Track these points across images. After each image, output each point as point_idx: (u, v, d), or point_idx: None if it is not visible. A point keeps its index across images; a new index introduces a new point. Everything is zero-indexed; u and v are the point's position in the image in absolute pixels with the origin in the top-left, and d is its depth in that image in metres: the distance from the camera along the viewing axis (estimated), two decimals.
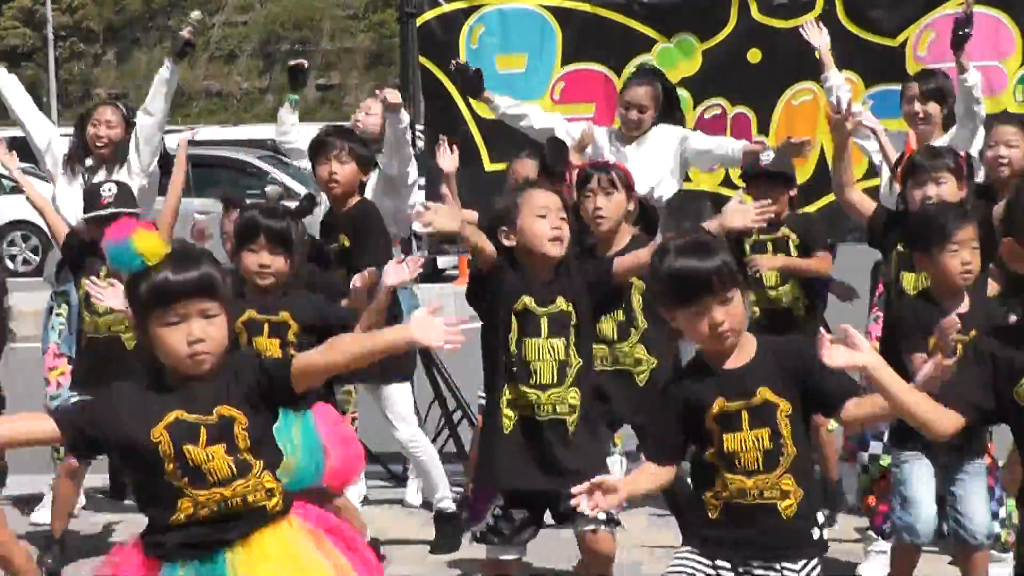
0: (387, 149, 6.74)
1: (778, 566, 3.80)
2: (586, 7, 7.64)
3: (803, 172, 7.31)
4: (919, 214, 5.38)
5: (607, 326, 5.65)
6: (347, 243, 6.35)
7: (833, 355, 3.46)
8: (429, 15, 7.78)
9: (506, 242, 4.88)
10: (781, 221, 6.47)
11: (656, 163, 6.78)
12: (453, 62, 7.18)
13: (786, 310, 6.49)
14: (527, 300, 4.87)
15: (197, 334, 3.51)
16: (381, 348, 3.61)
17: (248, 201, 6.17)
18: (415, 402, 6.77)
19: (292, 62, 7.49)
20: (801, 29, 6.86)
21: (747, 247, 6.52)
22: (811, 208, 7.27)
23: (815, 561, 3.86)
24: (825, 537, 3.92)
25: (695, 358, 3.97)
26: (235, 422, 3.55)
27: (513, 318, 4.88)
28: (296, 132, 7.18)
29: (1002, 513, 5.79)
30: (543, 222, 4.80)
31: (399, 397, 6.47)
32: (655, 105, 6.89)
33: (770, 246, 6.50)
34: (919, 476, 5.13)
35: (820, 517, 3.92)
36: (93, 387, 6.29)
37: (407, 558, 6.39)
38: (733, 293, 3.77)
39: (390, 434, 6.68)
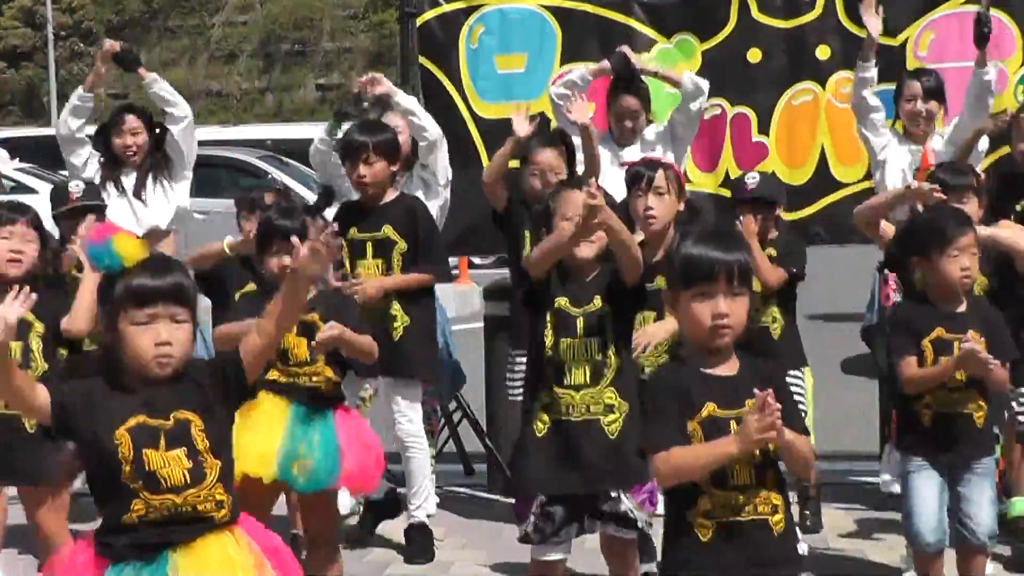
0: (424, 146, 6.75)
1: None
2: (586, 7, 7.63)
3: (803, 174, 7.32)
4: (919, 219, 5.39)
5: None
6: (391, 234, 6.28)
7: None
8: (429, 15, 7.77)
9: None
10: (769, 242, 6.42)
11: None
12: None
13: (763, 330, 6.27)
14: (562, 301, 4.86)
15: (165, 336, 3.65)
16: (290, 298, 3.81)
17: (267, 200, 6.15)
18: None
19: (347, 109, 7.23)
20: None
21: None
22: (811, 210, 7.27)
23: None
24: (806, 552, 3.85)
25: (683, 357, 3.87)
26: (191, 424, 3.68)
27: (548, 319, 4.87)
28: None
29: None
30: (569, 223, 4.78)
31: (415, 393, 6.44)
32: (646, 107, 6.89)
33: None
34: (925, 486, 5.12)
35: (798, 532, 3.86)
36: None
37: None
38: (744, 292, 3.71)
39: (391, 436, 6.69)
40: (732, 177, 7.32)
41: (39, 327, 5.20)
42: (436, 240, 6.46)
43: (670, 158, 6.60)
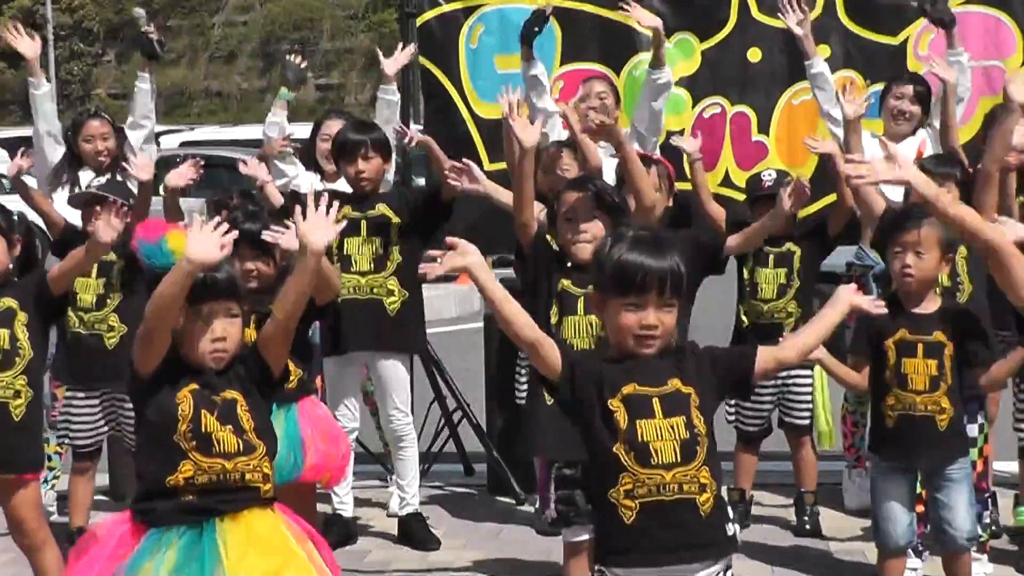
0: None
1: (698, 566, 3.62)
2: (586, 7, 7.62)
3: (803, 173, 7.28)
4: (888, 213, 5.45)
5: None
6: (386, 211, 6.36)
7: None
8: (429, 15, 7.76)
9: (549, 237, 5.14)
10: (784, 236, 6.45)
11: None
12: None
13: (775, 326, 6.32)
14: (565, 282, 5.05)
15: (220, 333, 3.84)
16: (305, 277, 3.85)
17: (234, 201, 6.19)
18: (413, 403, 6.76)
19: (292, 58, 7.53)
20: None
21: (750, 257, 6.49)
22: (811, 209, 7.24)
23: (729, 559, 3.70)
24: (738, 533, 3.74)
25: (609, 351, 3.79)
26: (237, 403, 3.85)
27: (553, 300, 5.06)
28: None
29: (986, 518, 5.81)
30: (570, 225, 4.97)
31: (405, 386, 6.55)
32: (617, 103, 6.87)
33: (772, 259, 6.45)
34: (893, 488, 5.17)
35: (730, 511, 3.73)
36: (76, 383, 6.36)
37: (411, 559, 6.38)
38: (675, 301, 3.64)
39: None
40: (731, 176, 7.33)
41: (23, 316, 5.18)
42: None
43: None
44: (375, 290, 6.33)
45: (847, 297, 3.94)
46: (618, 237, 3.73)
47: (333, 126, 6.88)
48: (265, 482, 3.85)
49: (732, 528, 3.68)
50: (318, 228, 3.80)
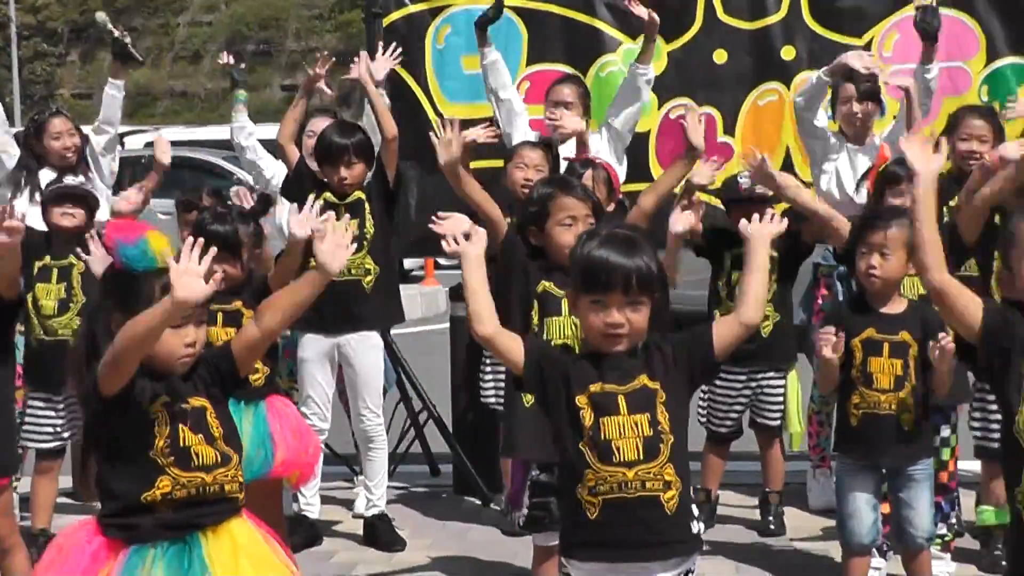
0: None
1: (661, 563, 3.63)
2: (552, 8, 7.62)
3: None
4: (861, 215, 5.49)
5: None
6: (361, 195, 6.47)
7: None
8: (395, 15, 7.74)
9: (534, 241, 5.00)
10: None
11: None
12: None
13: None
14: (547, 284, 4.96)
15: (192, 338, 3.77)
16: (312, 294, 3.84)
17: (205, 202, 6.18)
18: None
19: (227, 61, 7.56)
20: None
21: (728, 261, 6.49)
22: (776, 210, 7.24)
23: (695, 558, 3.71)
24: (702, 532, 3.75)
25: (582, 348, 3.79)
26: (206, 411, 3.79)
27: (535, 301, 4.97)
28: (254, 139, 7.25)
29: (952, 517, 5.84)
30: (569, 233, 4.80)
31: (378, 386, 6.56)
32: (583, 104, 6.88)
33: None
34: (858, 487, 5.20)
35: (695, 510, 3.74)
36: (41, 388, 6.32)
37: (377, 560, 6.37)
38: (645, 300, 3.64)
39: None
40: (693, 178, 7.33)
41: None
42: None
43: (609, 158, 6.65)
44: (353, 271, 6.39)
45: (756, 229, 3.93)
46: (591, 235, 3.74)
47: (319, 124, 6.89)
48: (241, 491, 3.83)
49: (697, 526, 3.69)
50: (339, 250, 3.80)
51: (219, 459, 3.76)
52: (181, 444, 3.71)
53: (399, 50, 7.08)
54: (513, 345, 3.71)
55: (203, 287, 3.54)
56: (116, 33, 7.40)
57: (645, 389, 3.63)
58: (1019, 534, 3.30)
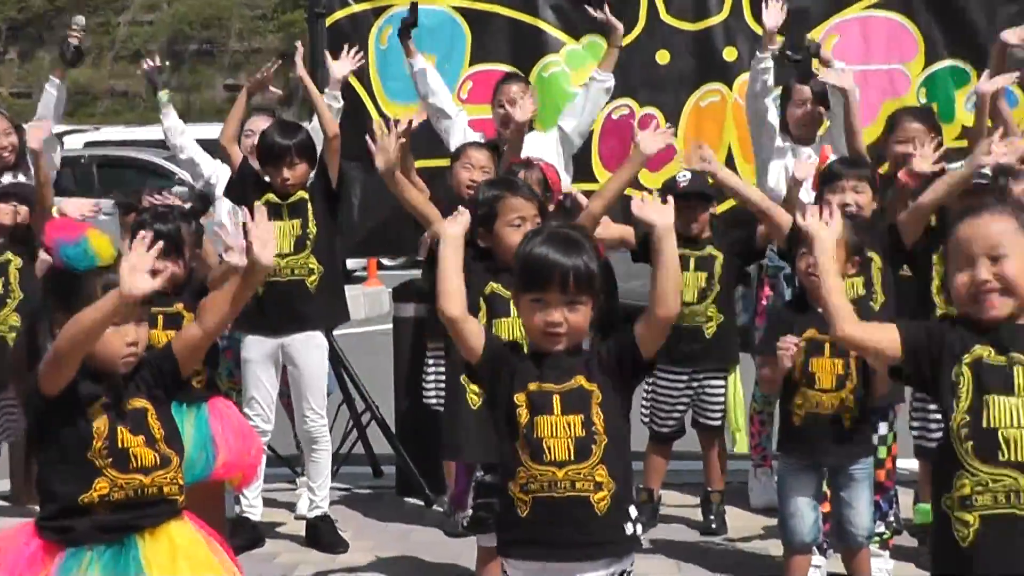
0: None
1: (592, 563, 3.63)
2: (496, 8, 7.63)
3: (709, 173, 7.32)
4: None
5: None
6: (304, 194, 6.44)
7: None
8: (339, 15, 7.72)
9: (482, 243, 4.97)
10: (705, 240, 6.48)
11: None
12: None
13: (696, 329, 6.40)
14: (495, 285, 4.95)
15: (133, 337, 3.74)
16: (248, 292, 3.85)
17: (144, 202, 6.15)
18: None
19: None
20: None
21: None
22: (718, 209, 7.30)
23: (630, 560, 3.71)
24: (640, 533, 3.75)
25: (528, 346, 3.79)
26: (147, 412, 3.76)
27: (483, 301, 4.94)
28: (187, 137, 7.24)
29: (890, 515, 5.89)
30: (517, 233, 4.77)
31: (322, 387, 6.55)
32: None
33: (692, 262, 6.42)
34: (800, 486, 5.24)
35: (633, 511, 3.73)
36: None
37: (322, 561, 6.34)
38: (584, 300, 3.65)
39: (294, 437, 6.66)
40: (639, 178, 7.34)
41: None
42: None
43: (555, 160, 6.67)
44: (296, 271, 6.39)
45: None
46: (535, 234, 3.76)
47: (258, 123, 6.86)
48: (181, 493, 3.81)
49: (633, 528, 3.69)
50: (268, 244, 3.77)
51: (158, 461, 3.74)
52: (119, 446, 3.68)
53: (360, 53, 7.00)
54: (476, 332, 3.72)
55: (150, 282, 3.52)
56: (74, 33, 7.34)
57: (581, 390, 3.65)
58: (945, 537, 3.34)
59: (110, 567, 3.65)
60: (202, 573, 3.75)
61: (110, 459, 3.67)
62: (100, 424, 3.68)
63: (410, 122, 6.00)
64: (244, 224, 3.88)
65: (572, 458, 3.59)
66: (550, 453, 3.59)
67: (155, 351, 4.01)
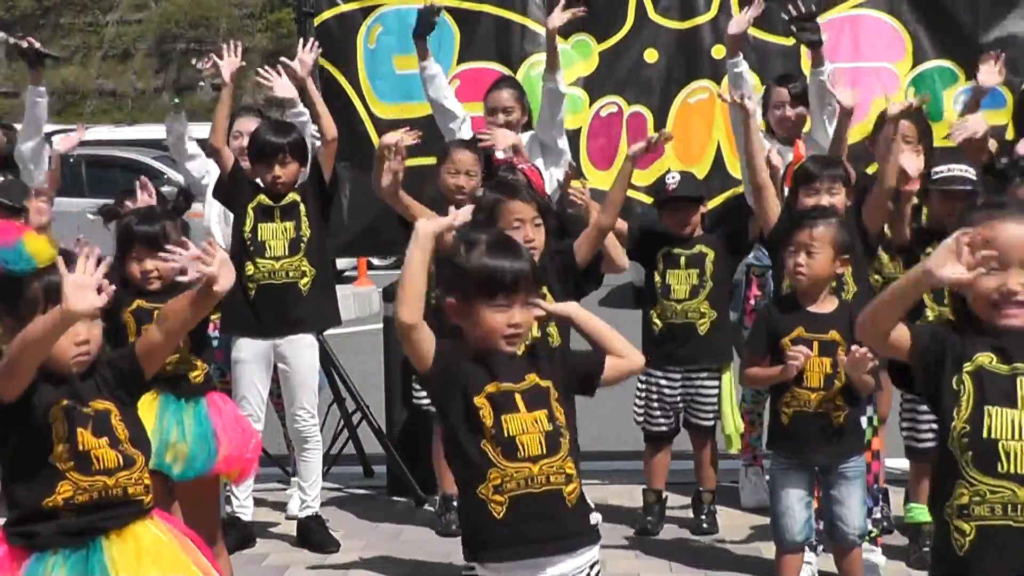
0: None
1: (566, 556, 3.67)
2: (484, 7, 7.62)
3: (699, 170, 7.35)
4: (785, 213, 5.56)
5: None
6: (295, 197, 6.42)
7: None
8: (327, 15, 7.71)
9: None
10: (696, 238, 6.49)
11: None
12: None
13: (689, 325, 6.43)
14: None
15: (84, 335, 3.70)
16: (211, 305, 3.81)
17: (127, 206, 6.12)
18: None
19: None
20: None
21: (660, 260, 6.51)
22: (708, 206, 7.32)
23: (596, 548, 3.75)
24: (598, 523, 3.79)
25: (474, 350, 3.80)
26: (111, 414, 3.74)
27: None
28: (193, 144, 7.14)
29: (877, 513, 5.90)
30: (516, 234, 4.79)
31: (313, 387, 6.55)
32: (520, 105, 6.88)
33: (683, 260, 6.46)
34: (791, 485, 5.25)
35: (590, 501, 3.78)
36: None
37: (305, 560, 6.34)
38: (531, 300, 3.76)
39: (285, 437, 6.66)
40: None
41: None
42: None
43: (540, 162, 6.66)
44: (290, 273, 6.40)
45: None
46: (471, 243, 3.77)
47: (247, 123, 6.84)
48: (147, 493, 3.78)
49: (595, 518, 3.76)
50: (227, 267, 3.73)
51: (122, 462, 3.71)
52: (81, 448, 3.66)
53: (316, 43, 6.90)
54: (427, 342, 3.72)
55: (95, 298, 3.44)
56: (24, 44, 7.19)
57: (538, 387, 3.71)
58: (944, 542, 3.34)
59: (76, 571, 3.64)
60: (170, 573, 3.73)
61: (72, 462, 3.65)
62: (59, 427, 3.65)
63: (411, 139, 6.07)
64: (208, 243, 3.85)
65: (545, 452, 3.64)
66: (524, 449, 3.62)
67: (117, 351, 4.01)
